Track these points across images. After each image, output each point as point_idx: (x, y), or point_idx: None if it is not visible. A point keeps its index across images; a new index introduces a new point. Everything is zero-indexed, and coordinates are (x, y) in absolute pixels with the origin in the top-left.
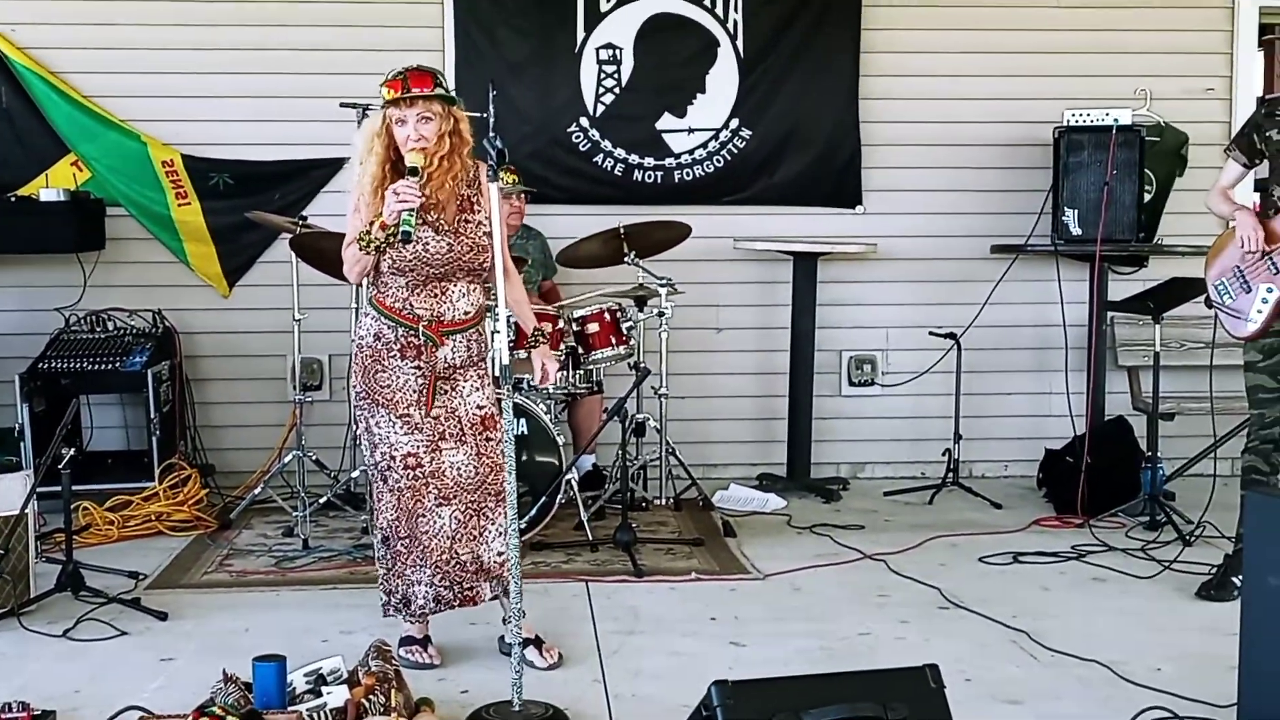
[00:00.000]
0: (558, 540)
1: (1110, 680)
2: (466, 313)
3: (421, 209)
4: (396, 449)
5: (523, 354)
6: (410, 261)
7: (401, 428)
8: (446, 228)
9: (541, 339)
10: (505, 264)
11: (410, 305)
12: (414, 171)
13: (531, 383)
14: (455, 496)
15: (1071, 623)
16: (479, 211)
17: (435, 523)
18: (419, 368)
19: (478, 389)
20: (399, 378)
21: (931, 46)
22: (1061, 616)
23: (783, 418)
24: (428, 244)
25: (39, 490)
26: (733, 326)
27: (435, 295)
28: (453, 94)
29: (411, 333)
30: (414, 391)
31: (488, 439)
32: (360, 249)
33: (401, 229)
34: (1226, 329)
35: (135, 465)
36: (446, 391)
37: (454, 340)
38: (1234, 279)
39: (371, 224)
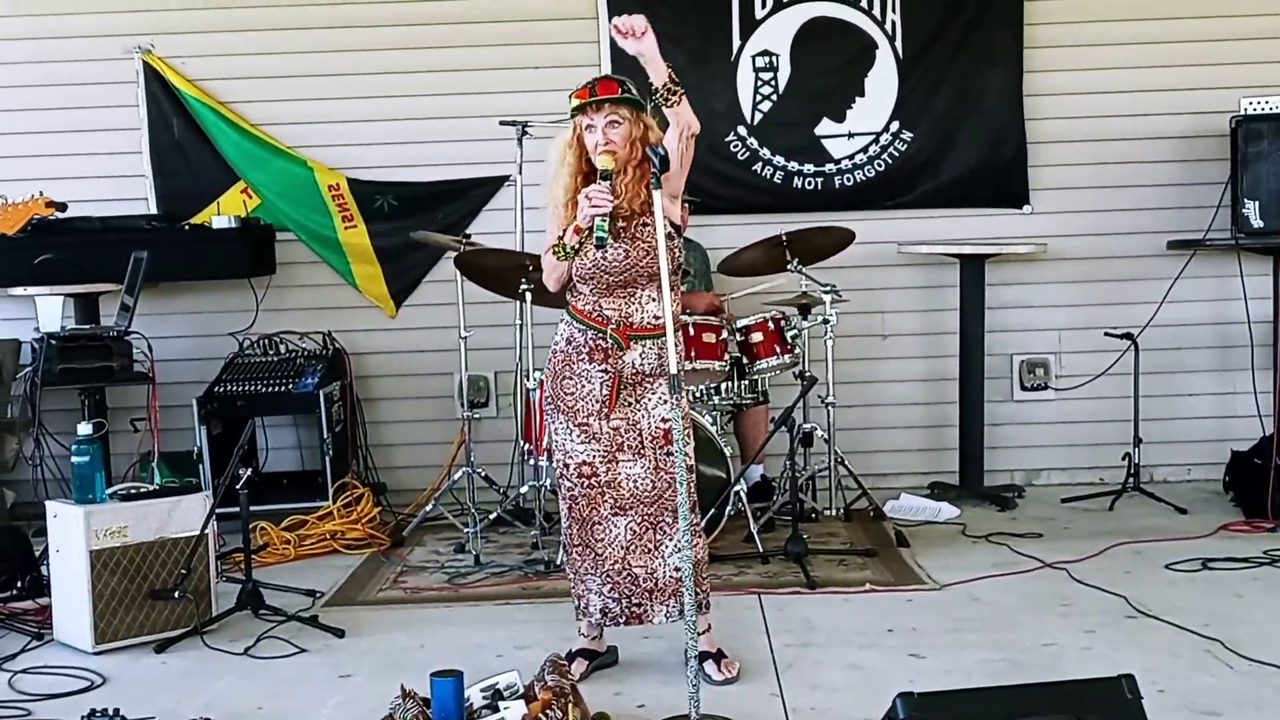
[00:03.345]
0: (728, 553)
1: None
2: (657, 317)
3: (614, 215)
4: (571, 456)
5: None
6: (590, 270)
7: (579, 436)
8: (624, 234)
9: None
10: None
11: (599, 308)
12: (605, 175)
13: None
14: (631, 508)
15: (1268, 630)
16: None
17: (610, 532)
18: (606, 371)
19: (664, 401)
20: (583, 385)
21: (1098, 39)
22: (1257, 624)
23: (953, 425)
24: (605, 252)
25: (218, 511)
26: (899, 332)
27: (623, 299)
28: (640, 99)
29: (600, 335)
30: (596, 400)
31: (668, 454)
32: (555, 256)
33: (595, 235)
34: None
35: (309, 485)
36: (630, 403)
37: (643, 345)
38: None
39: (565, 230)
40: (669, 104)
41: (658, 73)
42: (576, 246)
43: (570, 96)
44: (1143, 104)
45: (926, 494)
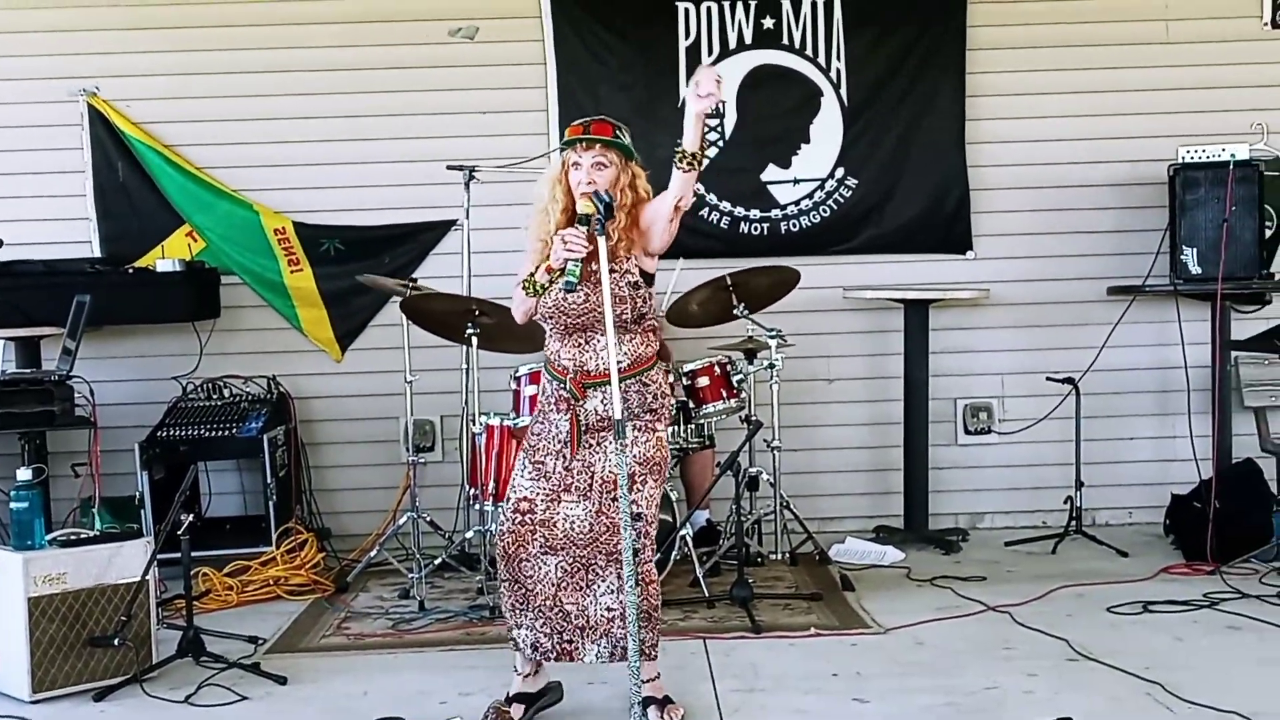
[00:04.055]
0: (673, 597)
1: None
2: (618, 363)
3: (589, 260)
4: (515, 491)
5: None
6: (550, 309)
7: (530, 472)
8: (592, 277)
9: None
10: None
11: (559, 356)
12: (584, 220)
13: None
14: (563, 549)
15: (1208, 673)
16: (625, 261)
17: (540, 569)
18: (570, 420)
19: (623, 448)
20: (550, 429)
21: (1039, 88)
22: (1197, 667)
23: (898, 468)
24: (566, 294)
25: (159, 557)
26: (844, 377)
27: (579, 345)
28: (631, 148)
29: (561, 385)
30: (558, 441)
31: (614, 499)
32: (524, 291)
33: (566, 279)
34: None
35: (253, 530)
36: (591, 444)
37: (602, 391)
38: None
39: (538, 267)
40: (685, 169)
41: (693, 138)
42: (546, 285)
43: (564, 131)
44: (1083, 152)
45: (871, 538)
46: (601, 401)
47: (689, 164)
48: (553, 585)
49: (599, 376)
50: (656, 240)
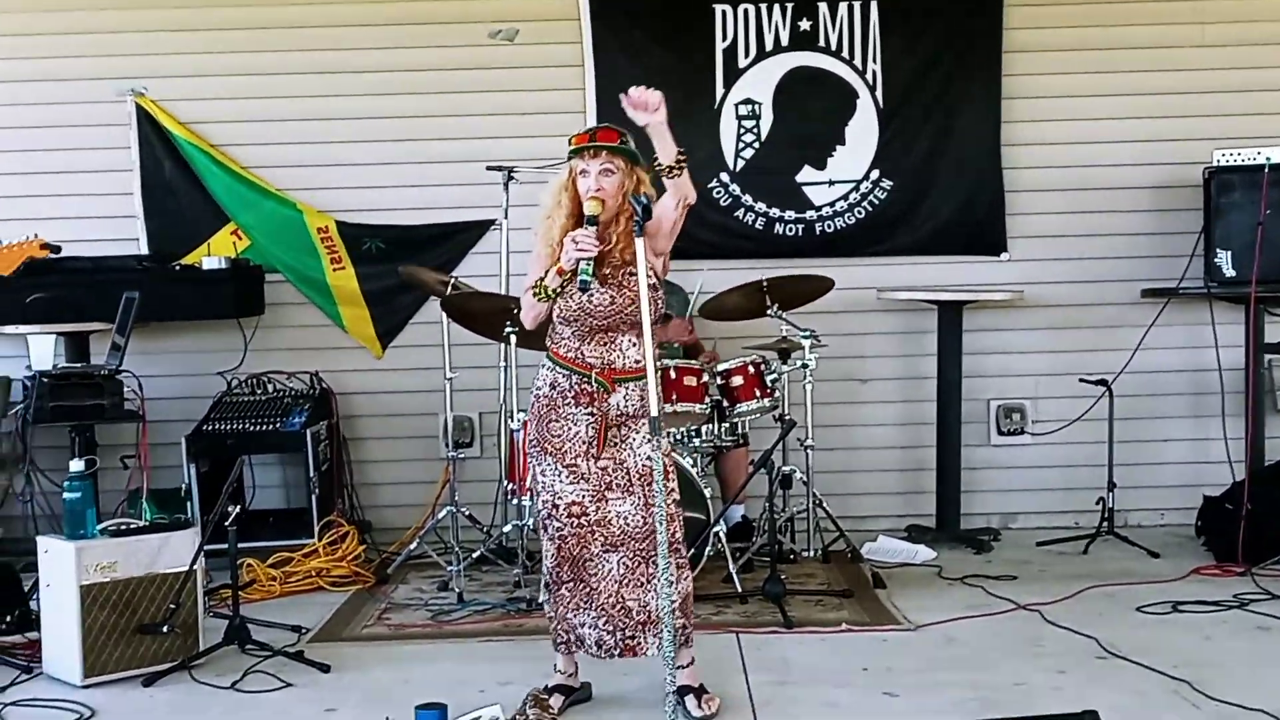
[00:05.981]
0: (707, 592)
1: None
2: (638, 361)
3: (601, 261)
4: (560, 498)
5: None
6: (574, 312)
7: (567, 477)
8: (610, 280)
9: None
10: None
11: (582, 354)
12: (592, 220)
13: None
14: (623, 544)
15: (1235, 672)
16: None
17: (604, 567)
18: (591, 414)
19: (649, 440)
20: (570, 427)
21: (1074, 90)
22: (1225, 665)
23: (931, 468)
24: (591, 295)
25: (206, 547)
26: (878, 377)
27: (604, 345)
28: (637, 153)
29: (585, 379)
30: (583, 441)
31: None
32: (535, 297)
33: (580, 278)
34: None
35: (296, 523)
36: (616, 443)
37: (626, 388)
38: None
39: (547, 271)
40: (671, 176)
41: (665, 149)
42: (558, 289)
43: (569, 140)
44: (1118, 155)
45: (904, 536)
46: (624, 397)
47: (674, 172)
48: (615, 582)
49: (623, 374)
50: (664, 240)
